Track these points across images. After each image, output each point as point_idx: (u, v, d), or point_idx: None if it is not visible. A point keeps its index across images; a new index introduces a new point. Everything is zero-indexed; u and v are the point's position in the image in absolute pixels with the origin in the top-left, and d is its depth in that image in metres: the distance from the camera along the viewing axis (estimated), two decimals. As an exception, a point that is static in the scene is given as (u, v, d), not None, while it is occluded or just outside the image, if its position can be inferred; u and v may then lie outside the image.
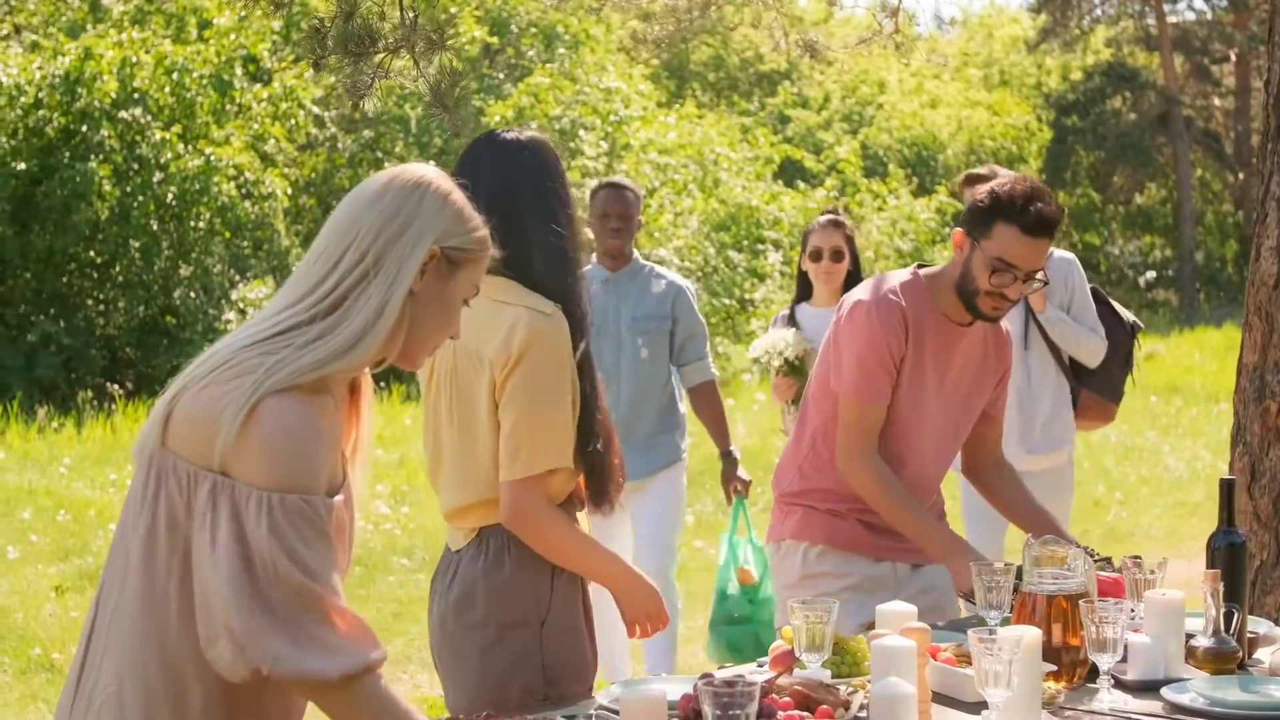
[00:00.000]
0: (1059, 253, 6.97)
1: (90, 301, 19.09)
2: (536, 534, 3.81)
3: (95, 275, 18.95)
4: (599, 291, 7.11)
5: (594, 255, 7.30)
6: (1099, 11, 37.89)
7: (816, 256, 7.41)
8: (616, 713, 3.52)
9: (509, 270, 3.71)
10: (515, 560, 3.82)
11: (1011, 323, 6.47)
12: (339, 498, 2.92)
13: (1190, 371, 21.56)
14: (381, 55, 4.92)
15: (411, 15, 5.02)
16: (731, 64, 34.62)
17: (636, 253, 7.40)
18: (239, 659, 2.76)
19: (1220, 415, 17.32)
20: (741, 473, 7.52)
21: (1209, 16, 37.03)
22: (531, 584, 3.85)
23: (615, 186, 7.38)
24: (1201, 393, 19.32)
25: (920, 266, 4.79)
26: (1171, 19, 36.78)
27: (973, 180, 6.99)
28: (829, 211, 7.64)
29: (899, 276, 4.73)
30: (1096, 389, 7.17)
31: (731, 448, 7.51)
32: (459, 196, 3.03)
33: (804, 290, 7.58)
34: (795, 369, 7.32)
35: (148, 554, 2.85)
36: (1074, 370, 7.14)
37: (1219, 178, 37.50)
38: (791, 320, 7.50)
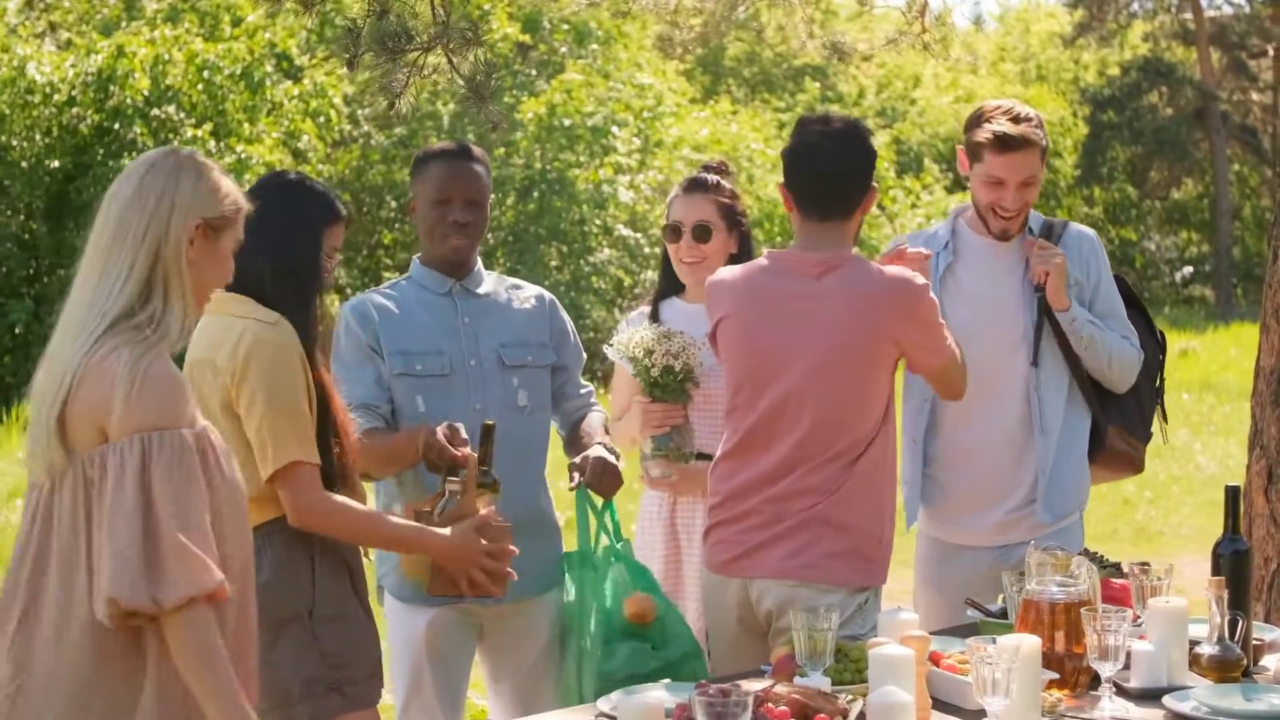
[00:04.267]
0: (1077, 227, 5.25)
1: (124, 298, 19.18)
2: (326, 523, 4.03)
3: (128, 272, 19.03)
4: (445, 310, 4.84)
5: (416, 258, 4.94)
6: (1136, 6, 37.72)
7: (673, 234, 5.27)
8: (614, 719, 3.53)
9: (241, 289, 3.93)
10: (271, 560, 4.00)
11: (1011, 331, 5.08)
12: (201, 427, 3.35)
13: (1225, 368, 21.45)
14: (416, 53, 4.91)
15: (444, 13, 5.01)
16: (766, 59, 34.56)
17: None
18: (100, 595, 3.16)
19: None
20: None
21: (1246, 11, 36.82)
22: (291, 579, 4.04)
23: (457, 156, 4.84)
24: (1235, 389, 19.19)
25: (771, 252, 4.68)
26: (1209, 13, 36.59)
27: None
28: (708, 164, 5.50)
29: (868, 261, 4.58)
30: (1126, 425, 5.18)
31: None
32: (211, 172, 3.47)
33: (670, 281, 5.40)
34: (678, 383, 5.10)
35: (62, 559, 3.27)
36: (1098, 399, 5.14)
37: (1256, 173, 37.30)
38: (655, 320, 5.34)
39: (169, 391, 3.28)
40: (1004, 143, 4.95)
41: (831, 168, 4.50)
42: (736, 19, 7.77)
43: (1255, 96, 37.35)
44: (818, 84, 32.93)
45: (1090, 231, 5.27)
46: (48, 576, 3.28)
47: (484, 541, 4.22)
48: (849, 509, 4.41)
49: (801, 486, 4.42)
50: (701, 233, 5.21)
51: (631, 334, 5.18)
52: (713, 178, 5.32)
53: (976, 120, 5.08)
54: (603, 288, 20.92)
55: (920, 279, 4.49)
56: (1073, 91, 36.90)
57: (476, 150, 4.90)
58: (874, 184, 4.57)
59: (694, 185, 5.31)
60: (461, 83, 4.89)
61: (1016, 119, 5.01)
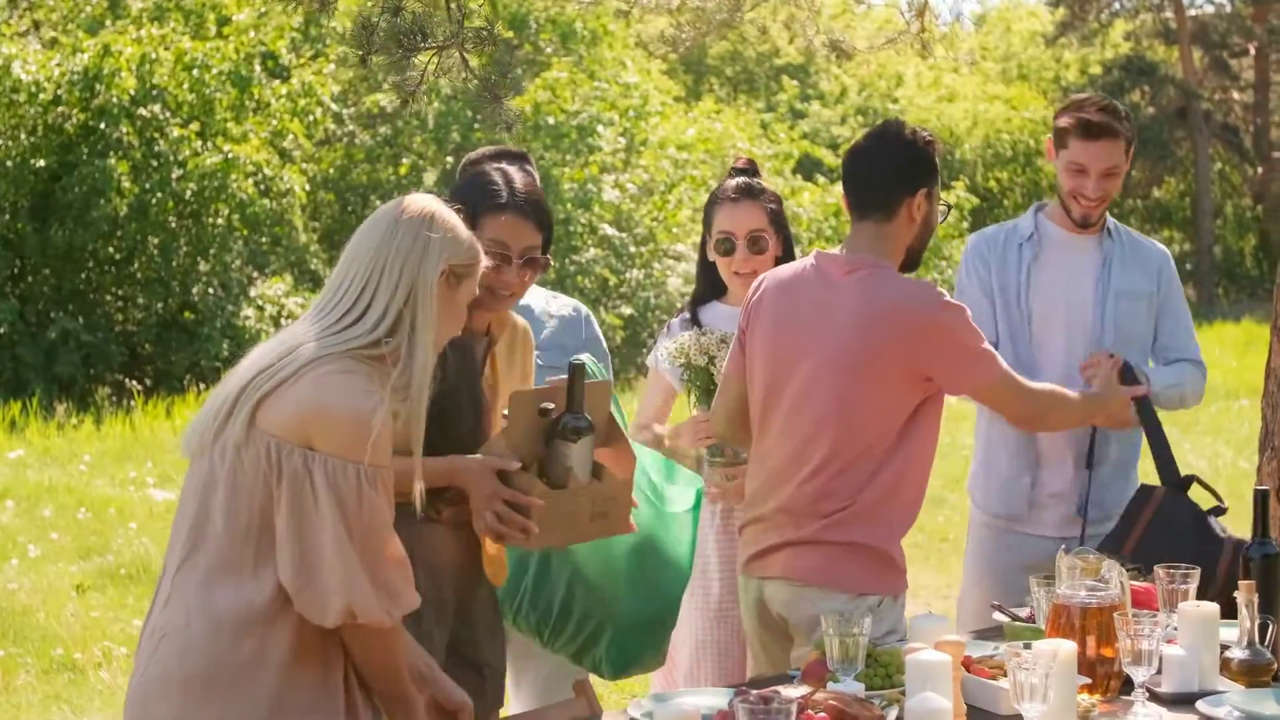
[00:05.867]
0: (1149, 240, 5.55)
1: (109, 298, 19.12)
2: None
3: (114, 271, 18.96)
4: None
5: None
6: (1117, 5, 37.73)
7: (726, 248, 5.16)
8: (648, 727, 3.50)
9: None
10: None
11: (1082, 321, 5.29)
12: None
13: (1211, 367, 21.10)
14: (430, 52, 4.87)
15: (459, 12, 4.97)
16: (748, 58, 34.54)
17: None
18: (329, 606, 3.27)
19: (1241, 411, 17.22)
20: None
21: (1228, 10, 36.87)
22: None
23: (516, 160, 4.65)
24: (1221, 389, 19.16)
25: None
26: (1190, 12, 36.61)
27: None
28: (740, 167, 5.31)
29: (892, 271, 4.55)
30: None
31: None
32: (457, 221, 3.57)
33: (710, 284, 5.30)
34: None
35: (230, 516, 3.34)
36: None
37: (1238, 171, 37.35)
38: (695, 323, 5.27)
39: (384, 433, 3.32)
40: (1088, 130, 5.15)
41: (862, 165, 4.60)
42: (738, 21, 7.71)
43: (1237, 95, 37.41)
44: (795, 82, 32.89)
45: (1164, 249, 5.50)
46: (209, 529, 3.37)
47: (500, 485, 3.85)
48: (858, 526, 4.40)
49: (807, 493, 4.42)
50: (757, 244, 5.12)
51: (683, 341, 5.05)
52: (757, 182, 5.20)
53: (1065, 108, 5.27)
54: (588, 287, 20.88)
55: (942, 294, 4.46)
56: (1054, 90, 36.89)
57: (530, 158, 4.88)
58: (926, 189, 4.55)
59: (743, 193, 5.17)
60: (474, 81, 4.84)
61: (1104, 109, 5.18)
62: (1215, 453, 15.14)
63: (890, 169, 4.54)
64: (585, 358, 4.34)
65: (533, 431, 3.86)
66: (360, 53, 4.60)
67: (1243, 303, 31.73)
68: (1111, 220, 5.43)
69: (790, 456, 4.46)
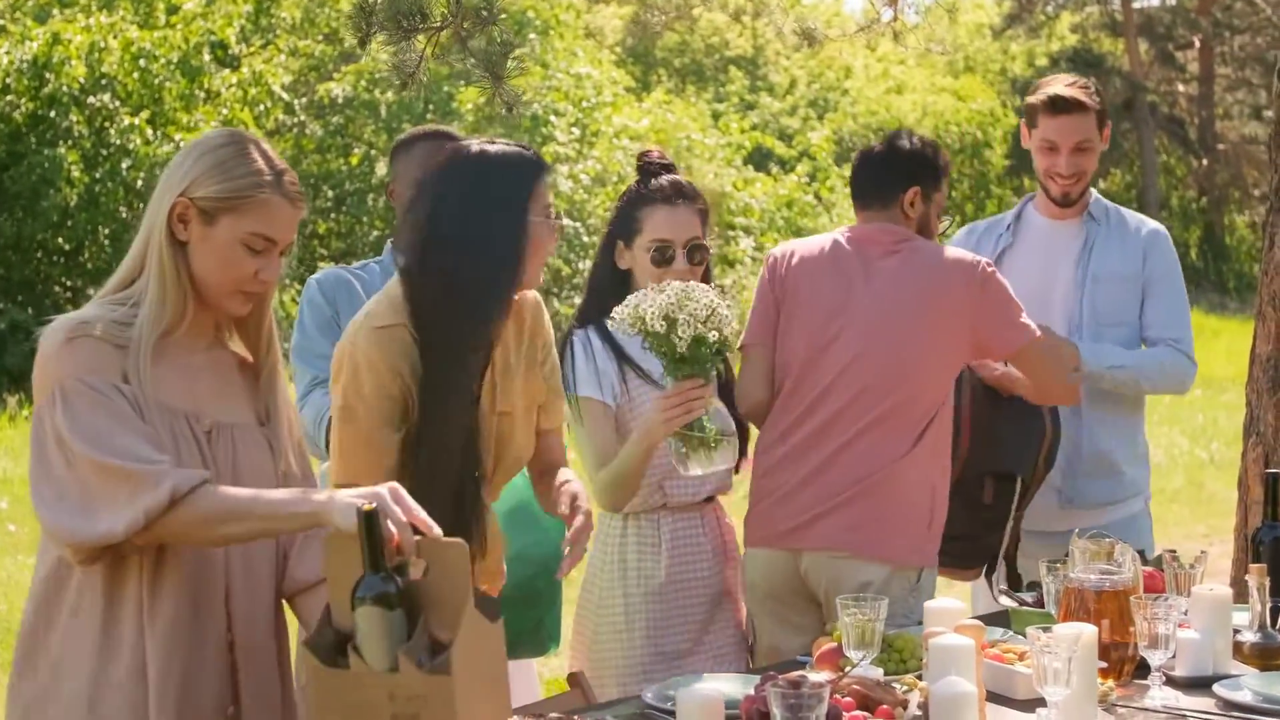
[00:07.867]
0: (1141, 220, 5.44)
1: (58, 288, 18.95)
2: None
3: (64, 262, 18.81)
4: None
5: (391, 241, 4.48)
6: (1064, -3, 37.95)
7: (664, 256, 4.39)
8: (662, 712, 3.45)
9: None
10: None
11: (1060, 309, 5.19)
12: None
13: (1160, 357, 21.53)
14: (428, 33, 4.83)
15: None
16: (697, 49, 34.49)
17: None
18: (55, 543, 2.99)
19: (1194, 402, 17.31)
20: None
21: (1173, 2, 37.11)
22: None
23: (446, 139, 4.66)
24: (1174, 379, 19.25)
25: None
26: (1136, 5, 36.84)
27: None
28: (661, 161, 4.57)
29: (931, 244, 4.71)
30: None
31: None
32: (226, 151, 3.10)
33: (620, 294, 4.17)
34: (714, 354, 4.00)
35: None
36: None
37: (1183, 164, 37.56)
38: (607, 343, 4.44)
39: (95, 354, 3.04)
40: (1055, 105, 5.15)
41: (864, 162, 4.80)
42: (692, 15, 7.69)
43: (1182, 88, 37.62)
44: (743, 72, 32.86)
45: (1156, 226, 5.40)
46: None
47: None
48: (900, 488, 4.47)
49: (854, 453, 4.47)
50: (698, 254, 4.46)
51: (637, 301, 3.99)
52: (689, 183, 4.53)
53: (1034, 89, 5.30)
54: (541, 276, 20.86)
55: (990, 263, 4.62)
56: (1001, 82, 36.99)
57: (460, 135, 4.68)
58: (920, 185, 4.70)
59: (679, 194, 4.47)
60: (473, 62, 4.81)
61: (1072, 84, 5.20)
62: (1171, 442, 15.20)
63: (886, 163, 4.73)
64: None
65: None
66: (359, 34, 4.54)
67: (1189, 294, 31.89)
68: (1102, 201, 5.39)
69: (835, 416, 4.50)
